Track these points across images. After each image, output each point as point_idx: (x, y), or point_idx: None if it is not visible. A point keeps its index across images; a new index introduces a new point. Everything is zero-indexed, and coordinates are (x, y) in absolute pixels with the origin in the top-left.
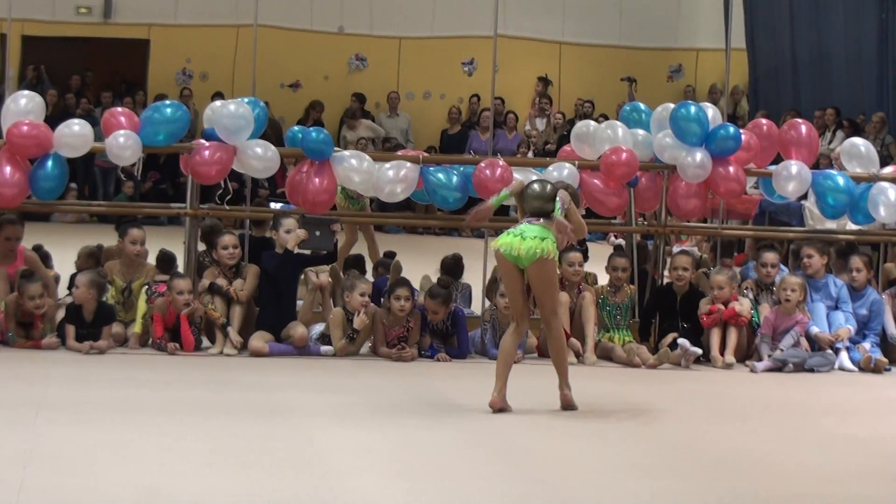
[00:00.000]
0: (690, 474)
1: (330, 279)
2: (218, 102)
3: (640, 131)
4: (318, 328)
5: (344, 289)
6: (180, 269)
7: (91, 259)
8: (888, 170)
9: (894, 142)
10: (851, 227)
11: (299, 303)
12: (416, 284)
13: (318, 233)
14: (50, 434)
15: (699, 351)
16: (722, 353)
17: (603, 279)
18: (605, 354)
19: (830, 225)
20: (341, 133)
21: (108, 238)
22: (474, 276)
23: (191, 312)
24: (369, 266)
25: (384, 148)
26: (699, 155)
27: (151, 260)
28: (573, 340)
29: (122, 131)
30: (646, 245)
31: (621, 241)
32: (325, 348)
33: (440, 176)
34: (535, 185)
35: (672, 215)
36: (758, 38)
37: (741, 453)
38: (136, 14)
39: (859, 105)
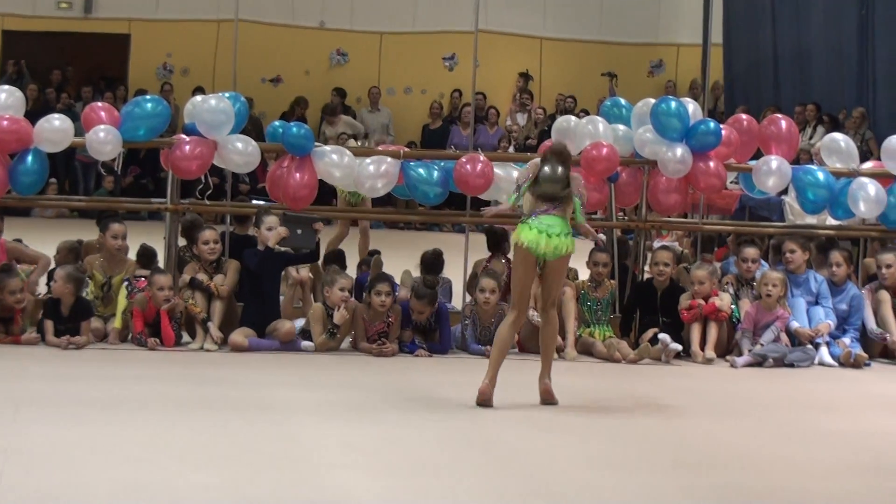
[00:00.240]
0: (671, 470)
1: (310, 274)
2: (199, 97)
3: (621, 126)
4: (299, 323)
5: (324, 284)
6: (161, 264)
7: (71, 254)
8: (868, 165)
9: (874, 137)
10: (831, 222)
11: (281, 299)
12: (396, 279)
13: (299, 231)
14: (29, 430)
15: (679, 347)
16: (702, 349)
17: (584, 274)
18: (586, 349)
19: (810, 220)
20: (321, 128)
21: (88, 233)
22: (455, 271)
23: (171, 308)
24: (351, 261)
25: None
26: (679, 150)
27: (132, 255)
28: None
29: (102, 126)
30: (626, 240)
31: (602, 236)
32: (305, 343)
33: (421, 171)
34: (547, 168)
35: (652, 210)
36: (738, 34)
37: (722, 448)
38: (116, 9)
39: (839, 100)
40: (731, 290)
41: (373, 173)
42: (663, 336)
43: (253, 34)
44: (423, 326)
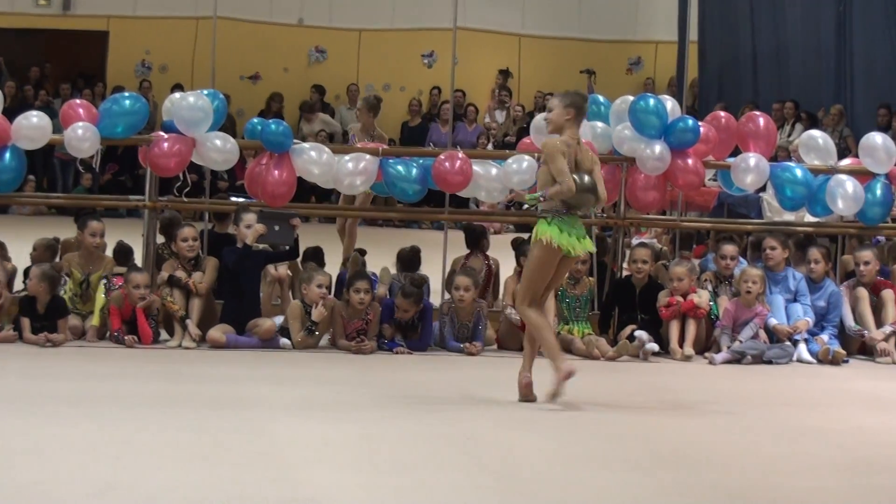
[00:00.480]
0: (650, 467)
1: (289, 272)
2: (177, 94)
3: (599, 124)
4: (278, 321)
5: (301, 281)
6: (139, 261)
7: (49, 251)
8: (846, 162)
9: (852, 134)
10: (809, 219)
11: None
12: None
13: (276, 227)
14: (4, 427)
15: (656, 347)
16: (681, 346)
17: None
18: (564, 346)
19: (788, 217)
20: (299, 125)
21: (66, 230)
22: (433, 269)
23: (146, 305)
24: (330, 259)
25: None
26: (658, 147)
27: (110, 252)
28: None
29: (80, 123)
30: (605, 237)
31: None
32: (283, 341)
33: (399, 168)
34: (586, 178)
35: (631, 207)
36: (715, 31)
37: (700, 445)
38: (95, 6)
39: (817, 98)
40: (710, 288)
41: (351, 170)
42: (640, 333)
43: (231, 31)
44: (405, 324)
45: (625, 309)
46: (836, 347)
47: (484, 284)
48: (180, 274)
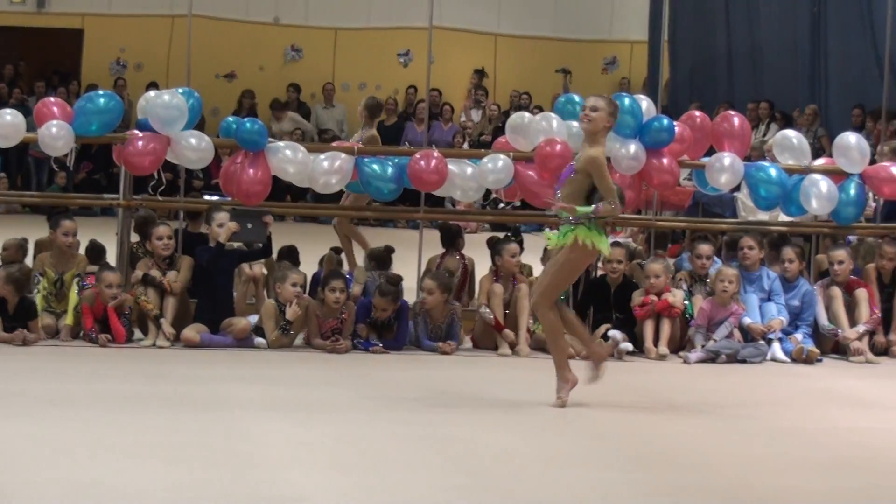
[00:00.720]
0: (625, 466)
1: (264, 270)
2: (152, 92)
3: (575, 123)
4: (253, 320)
5: (276, 280)
6: (112, 260)
7: (19, 252)
8: (820, 162)
9: (826, 134)
10: (784, 218)
11: (235, 295)
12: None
13: (249, 225)
14: None
15: (630, 346)
16: (655, 345)
17: (538, 270)
18: (539, 346)
19: (763, 216)
20: (269, 124)
21: (39, 229)
22: (409, 268)
23: (118, 304)
24: (306, 258)
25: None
26: (633, 146)
27: (83, 251)
28: (507, 332)
29: (54, 121)
30: None
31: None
32: (258, 340)
33: (375, 167)
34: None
35: None
36: (688, 31)
37: (675, 444)
38: (69, 3)
39: (792, 97)
40: (685, 287)
41: (327, 169)
42: (613, 333)
43: (207, 29)
44: (381, 323)
45: (599, 308)
46: (810, 346)
47: (459, 284)
48: (155, 273)
